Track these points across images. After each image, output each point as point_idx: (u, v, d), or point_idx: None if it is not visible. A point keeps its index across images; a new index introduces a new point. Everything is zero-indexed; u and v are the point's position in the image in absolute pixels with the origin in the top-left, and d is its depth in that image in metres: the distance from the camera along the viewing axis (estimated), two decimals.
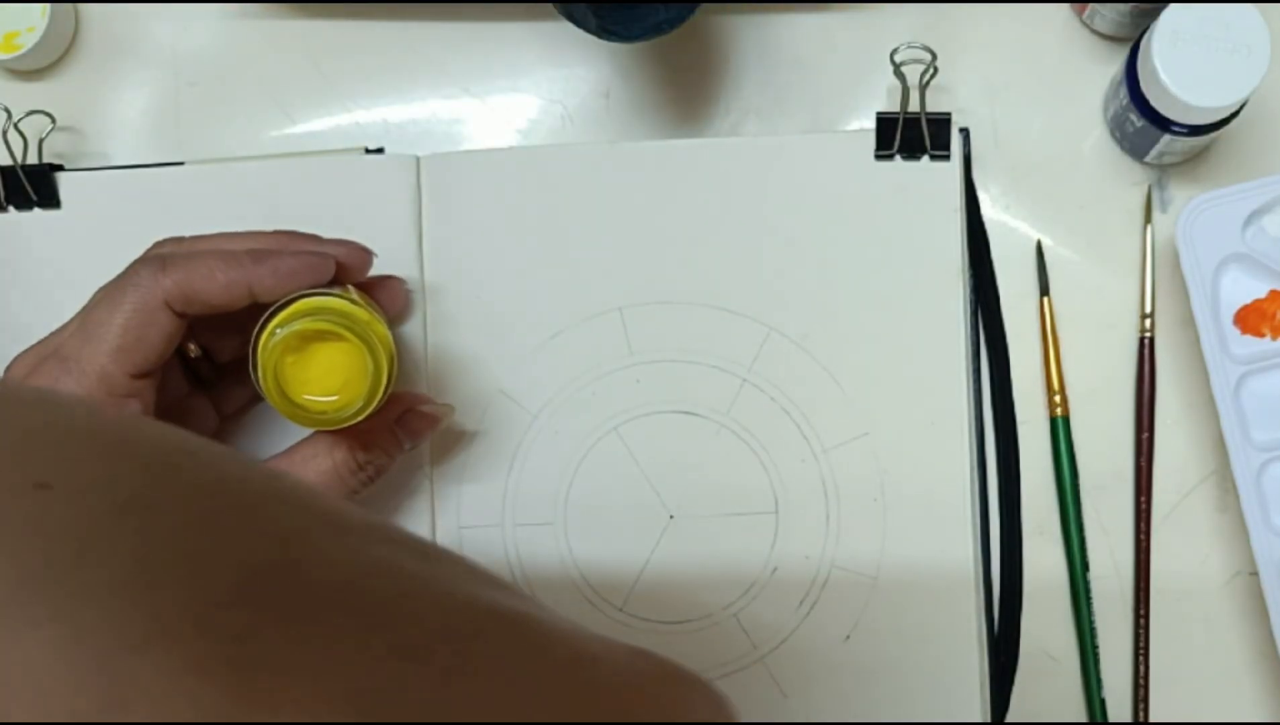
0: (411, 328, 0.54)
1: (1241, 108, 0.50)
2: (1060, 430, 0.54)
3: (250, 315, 0.45)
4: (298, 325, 0.44)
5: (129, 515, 0.24)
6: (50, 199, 0.56)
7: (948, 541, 0.52)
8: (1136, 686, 0.52)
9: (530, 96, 0.58)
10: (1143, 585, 0.53)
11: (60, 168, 0.56)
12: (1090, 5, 0.54)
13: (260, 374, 0.44)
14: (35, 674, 0.21)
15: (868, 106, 0.56)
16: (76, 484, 0.24)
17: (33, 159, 0.55)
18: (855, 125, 0.56)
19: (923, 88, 0.53)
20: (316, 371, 0.45)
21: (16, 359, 0.47)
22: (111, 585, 0.23)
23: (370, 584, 0.25)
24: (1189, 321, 0.51)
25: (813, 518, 0.53)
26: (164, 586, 0.23)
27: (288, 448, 0.48)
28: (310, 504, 0.27)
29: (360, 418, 0.45)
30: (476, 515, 0.54)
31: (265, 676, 0.22)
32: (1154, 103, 0.50)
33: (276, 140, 0.58)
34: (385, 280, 0.52)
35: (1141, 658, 0.52)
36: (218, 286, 0.45)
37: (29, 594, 0.22)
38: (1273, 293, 0.51)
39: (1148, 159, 0.54)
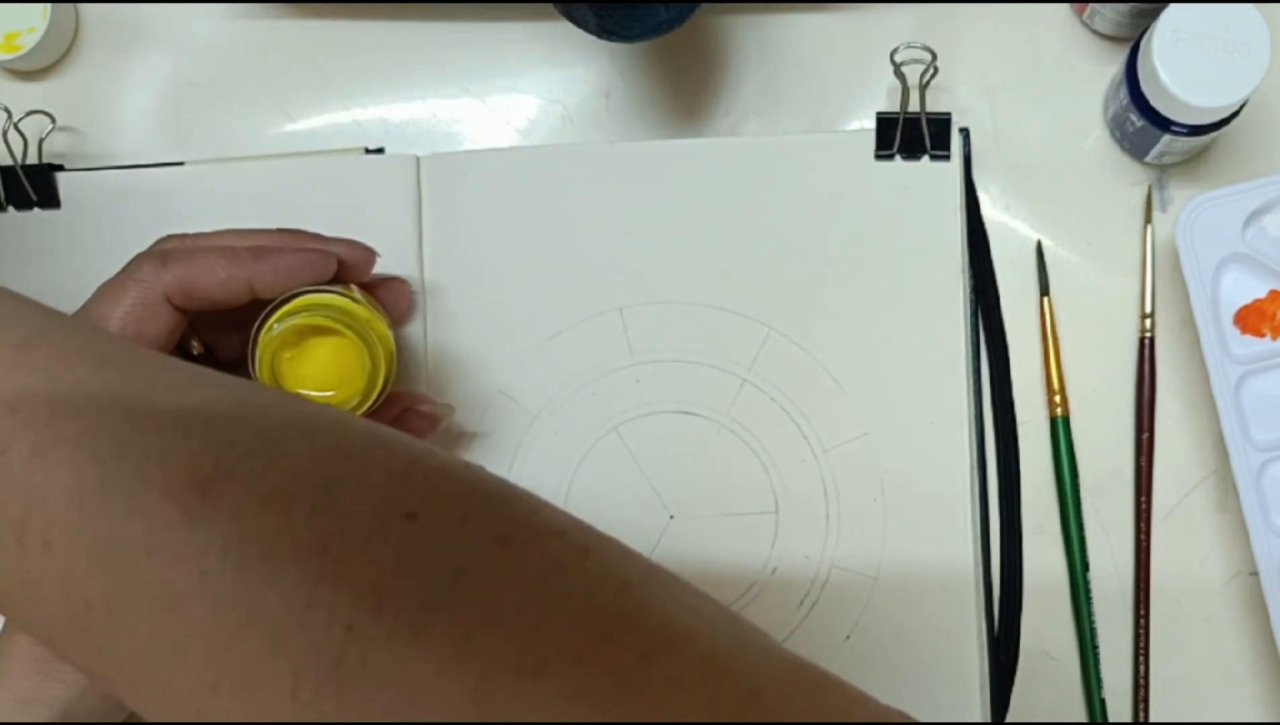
0: (411, 328, 0.54)
1: (1241, 108, 0.50)
2: (1060, 430, 0.54)
3: (253, 313, 0.45)
4: (295, 320, 0.44)
5: (498, 546, 0.26)
6: (50, 199, 0.56)
7: (948, 541, 0.52)
8: (1136, 686, 0.52)
9: (530, 96, 0.58)
10: (1143, 585, 0.53)
11: (60, 168, 0.56)
12: (1090, 5, 0.54)
13: (257, 369, 0.44)
14: (423, 686, 0.23)
15: (868, 106, 0.56)
16: (442, 517, 0.26)
17: (33, 159, 0.56)
18: (855, 125, 0.56)
19: (923, 88, 0.53)
20: (314, 367, 0.45)
21: None
22: (497, 613, 0.24)
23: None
24: (1189, 321, 0.51)
25: (813, 518, 0.53)
26: (547, 620, 0.24)
27: None
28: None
29: (357, 415, 0.45)
30: None
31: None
32: (1154, 103, 0.50)
33: (276, 140, 0.58)
34: (390, 281, 0.52)
35: (1141, 658, 0.52)
36: (218, 282, 0.45)
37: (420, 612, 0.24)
38: (1273, 293, 0.51)
39: (1148, 159, 0.54)
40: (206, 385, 0.29)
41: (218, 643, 0.24)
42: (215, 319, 0.49)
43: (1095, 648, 0.53)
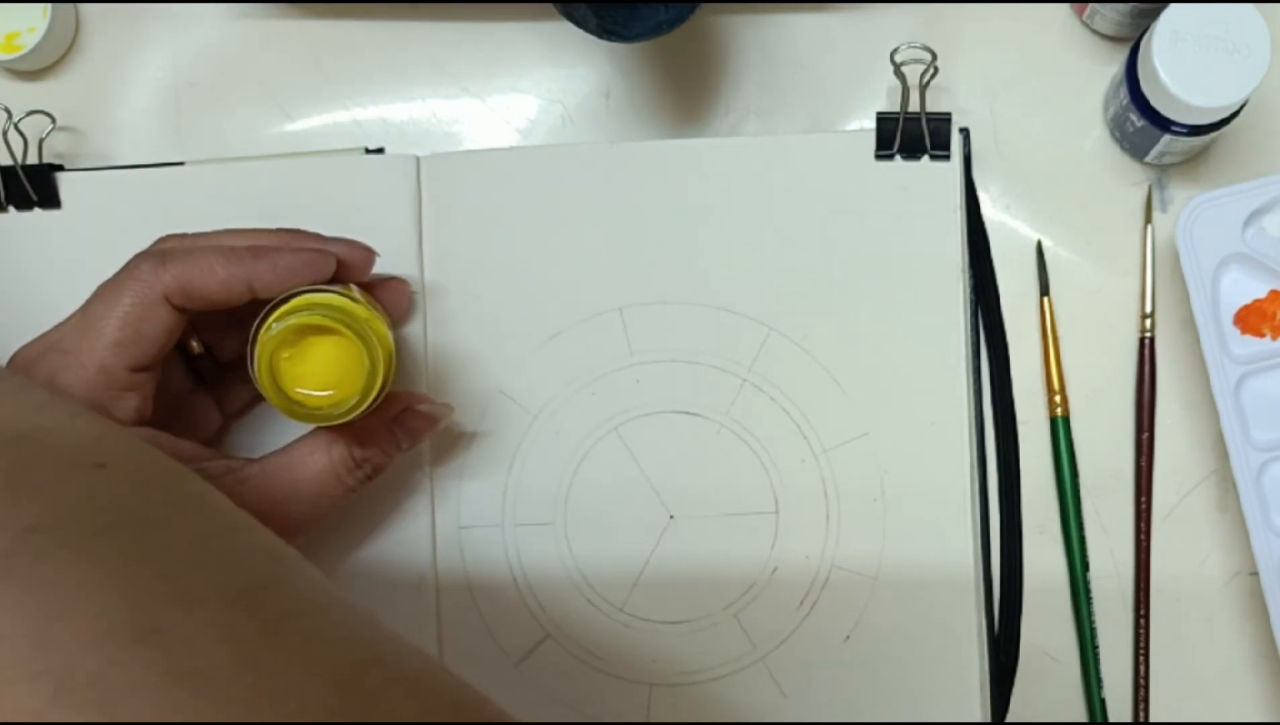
0: (411, 328, 0.54)
1: (1241, 108, 0.50)
2: (1060, 430, 0.54)
3: (252, 313, 0.45)
4: (294, 319, 0.44)
5: (170, 506, 0.30)
6: (50, 199, 0.56)
7: (948, 541, 0.52)
8: (1136, 686, 0.52)
9: (530, 96, 0.58)
10: (1143, 585, 0.53)
11: (60, 168, 0.56)
12: (1090, 5, 0.54)
13: (256, 368, 0.44)
14: (86, 589, 0.25)
15: (868, 106, 0.56)
16: (129, 472, 0.30)
17: (33, 159, 0.56)
18: (855, 125, 0.56)
19: (923, 88, 0.53)
20: (313, 367, 0.45)
21: (18, 353, 0.47)
22: (164, 550, 0.27)
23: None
24: (1189, 321, 0.51)
25: (813, 518, 0.53)
26: (206, 565, 0.28)
27: (285, 445, 0.48)
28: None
29: (356, 414, 0.45)
30: (476, 515, 0.54)
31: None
32: (1154, 103, 0.50)
33: (276, 140, 0.58)
34: (389, 281, 0.52)
35: (1141, 658, 0.52)
36: (217, 281, 0.45)
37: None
38: (1273, 293, 0.51)
39: (1148, 159, 0.54)
40: None
41: None
42: (215, 319, 0.49)
43: (1095, 648, 0.53)
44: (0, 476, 0.27)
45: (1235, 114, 0.50)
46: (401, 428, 0.49)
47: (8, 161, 0.55)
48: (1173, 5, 0.49)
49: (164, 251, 0.46)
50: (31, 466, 0.28)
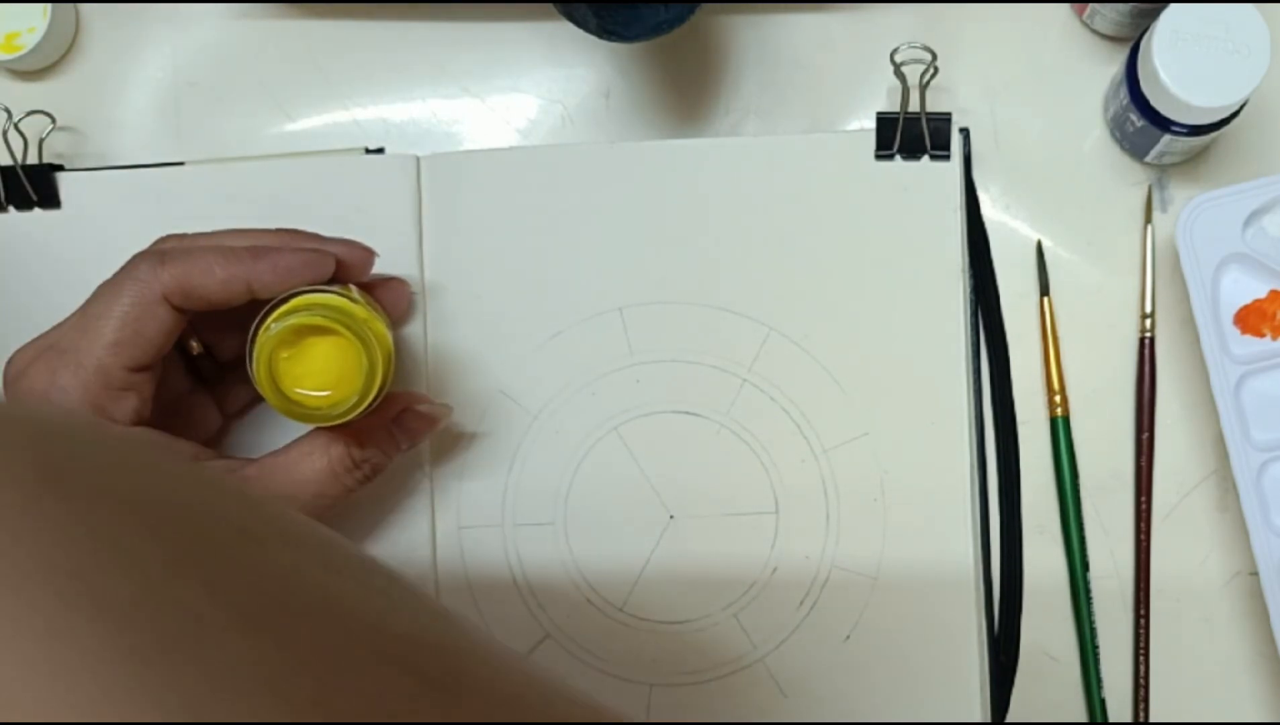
0: (411, 328, 0.54)
1: (1241, 108, 0.50)
2: (1060, 430, 0.54)
3: (252, 313, 0.45)
4: (293, 320, 0.44)
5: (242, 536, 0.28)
6: (50, 199, 0.56)
7: (948, 541, 0.52)
8: (1136, 686, 0.52)
9: (530, 96, 0.58)
10: (1143, 585, 0.53)
11: (60, 168, 0.56)
12: (1090, 5, 0.54)
13: (255, 368, 0.44)
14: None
15: (868, 106, 0.56)
16: (218, 517, 0.29)
17: (33, 159, 0.56)
18: (855, 125, 0.56)
19: (923, 88, 0.53)
20: (311, 367, 0.45)
21: (17, 353, 0.47)
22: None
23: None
24: (1189, 321, 0.51)
25: (813, 518, 0.53)
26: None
27: (284, 445, 0.48)
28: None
29: (355, 415, 0.45)
30: (476, 515, 0.54)
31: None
32: (1154, 103, 0.50)
33: (276, 140, 0.58)
34: (389, 281, 0.52)
35: (1141, 658, 0.52)
36: (216, 281, 0.45)
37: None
38: (1273, 293, 0.51)
39: (1148, 159, 0.54)
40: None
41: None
42: (214, 319, 0.49)
43: (1095, 648, 0.53)
44: (169, 555, 0.27)
45: (1235, 114, 0.50)
46: (400, 428, 0.49)
47: (8, 161, 0.55)
48: (1173, 5, 0.49)
49: (163, 251, 0.46)
50: (194, 543, 0.27)
